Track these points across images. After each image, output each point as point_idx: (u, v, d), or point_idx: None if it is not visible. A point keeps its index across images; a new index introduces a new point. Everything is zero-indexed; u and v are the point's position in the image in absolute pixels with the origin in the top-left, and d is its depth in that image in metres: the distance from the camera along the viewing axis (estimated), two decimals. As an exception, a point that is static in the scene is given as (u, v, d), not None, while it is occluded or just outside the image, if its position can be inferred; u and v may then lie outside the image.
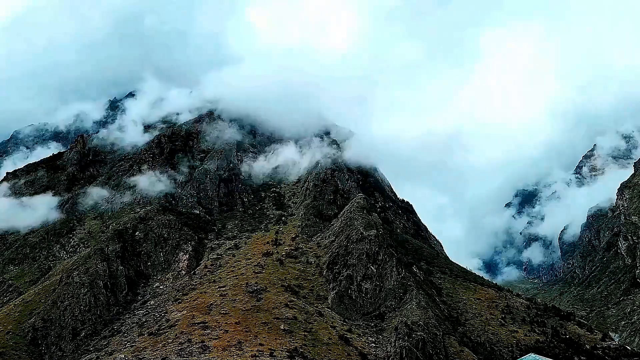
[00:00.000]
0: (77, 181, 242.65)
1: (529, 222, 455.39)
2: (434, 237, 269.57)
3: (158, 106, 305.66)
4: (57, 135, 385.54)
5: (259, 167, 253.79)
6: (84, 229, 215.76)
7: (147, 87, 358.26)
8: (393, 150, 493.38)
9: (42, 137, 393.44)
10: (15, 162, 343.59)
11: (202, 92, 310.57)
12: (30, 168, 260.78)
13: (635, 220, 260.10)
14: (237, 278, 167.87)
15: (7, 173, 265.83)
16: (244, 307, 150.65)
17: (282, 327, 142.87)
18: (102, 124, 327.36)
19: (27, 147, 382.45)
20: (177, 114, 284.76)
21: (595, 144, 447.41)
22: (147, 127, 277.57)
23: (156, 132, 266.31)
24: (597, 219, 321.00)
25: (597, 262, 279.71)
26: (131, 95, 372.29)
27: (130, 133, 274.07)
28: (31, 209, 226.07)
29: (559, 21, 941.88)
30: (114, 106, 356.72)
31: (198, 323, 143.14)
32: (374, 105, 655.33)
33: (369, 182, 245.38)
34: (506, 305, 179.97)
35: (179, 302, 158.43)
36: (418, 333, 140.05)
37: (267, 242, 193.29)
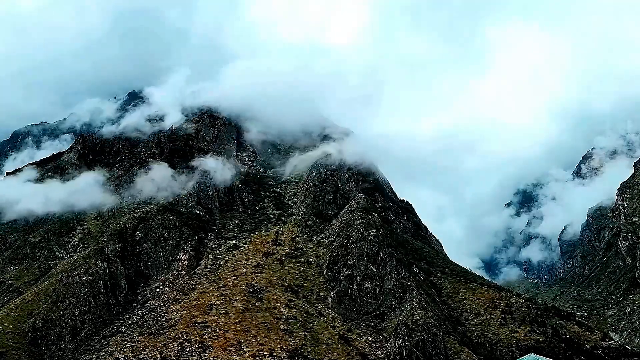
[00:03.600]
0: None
1: (528, 222, 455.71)
2: (434, 237, 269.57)
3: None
4: (71, 131, 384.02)
5: (259, 166, 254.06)
6: (84, 229, 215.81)
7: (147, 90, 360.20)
8: (394, 149, 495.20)
9: (54, 133, 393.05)
10: (24, 158, 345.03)
11: (201, 90, 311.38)
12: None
13: (635, 220, 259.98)
14: (237, 278, 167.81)
15: (31, 163, 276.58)
16: (244, 307, 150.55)
17: (282, 327, 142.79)
18: (122, 110, 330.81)
19: (37, 145, 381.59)
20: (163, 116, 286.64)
21: (595, 144, 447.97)
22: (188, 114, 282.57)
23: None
24: (597, 219, 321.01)
25: (597, 262, 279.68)
26: (135, 94, 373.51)
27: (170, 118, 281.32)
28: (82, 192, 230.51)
29: (560, 21, 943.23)
30: (132, 99, 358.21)
31: (198, 323, 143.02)
32: (378, 104, 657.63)
33: (369, 182, 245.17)
34: (506, 305, 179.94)
35: (179, 302, 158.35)
36: (418, 333, 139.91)
37: (267, 242, 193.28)
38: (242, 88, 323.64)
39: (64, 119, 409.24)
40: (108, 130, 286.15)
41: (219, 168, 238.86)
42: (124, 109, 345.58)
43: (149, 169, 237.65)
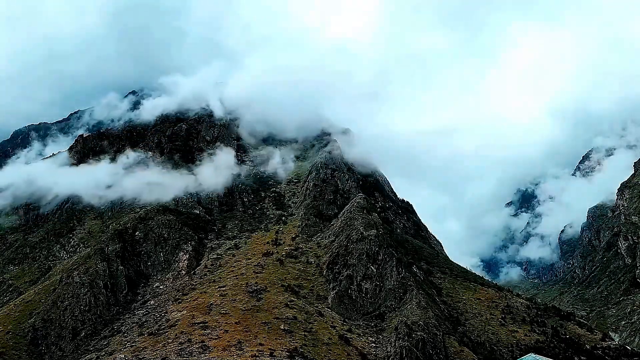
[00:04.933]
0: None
1: (529, 222, 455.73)
2: (434, 237, 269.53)
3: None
4: (83, 127, 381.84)
5: (259, 166, 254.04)
6: (84, 229, 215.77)
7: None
8: (395, 148, 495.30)
9: (64, 130, 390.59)
10: (32, 155, 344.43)
11: (200, 90, 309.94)
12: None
13: (635, 220, 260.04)
14: (237, 278, 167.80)
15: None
16: (244, 307, 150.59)
17: (282, 327, 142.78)
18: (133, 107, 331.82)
19: (45, 142, 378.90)
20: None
21: (595, 144, 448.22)
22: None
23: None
24: (597, 219, 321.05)
25: (597, 262, 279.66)
26: (134, 93, 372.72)
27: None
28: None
29: (561, 21, 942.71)
30: (140, 96, 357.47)
31: (198, 323, 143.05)
32: (381, 101, 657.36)
33: (369, 182, 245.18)
34: (506, 305, 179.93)
35: (179, 302, 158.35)
36: (418, 333, 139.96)
37: (267, 242, 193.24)
38: (242, 87, 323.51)
39: (79, 116, 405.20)
40: (119, 125, 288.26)
41: (278, 158, 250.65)
42: (136, 105, 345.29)
43: (214, 154, 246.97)
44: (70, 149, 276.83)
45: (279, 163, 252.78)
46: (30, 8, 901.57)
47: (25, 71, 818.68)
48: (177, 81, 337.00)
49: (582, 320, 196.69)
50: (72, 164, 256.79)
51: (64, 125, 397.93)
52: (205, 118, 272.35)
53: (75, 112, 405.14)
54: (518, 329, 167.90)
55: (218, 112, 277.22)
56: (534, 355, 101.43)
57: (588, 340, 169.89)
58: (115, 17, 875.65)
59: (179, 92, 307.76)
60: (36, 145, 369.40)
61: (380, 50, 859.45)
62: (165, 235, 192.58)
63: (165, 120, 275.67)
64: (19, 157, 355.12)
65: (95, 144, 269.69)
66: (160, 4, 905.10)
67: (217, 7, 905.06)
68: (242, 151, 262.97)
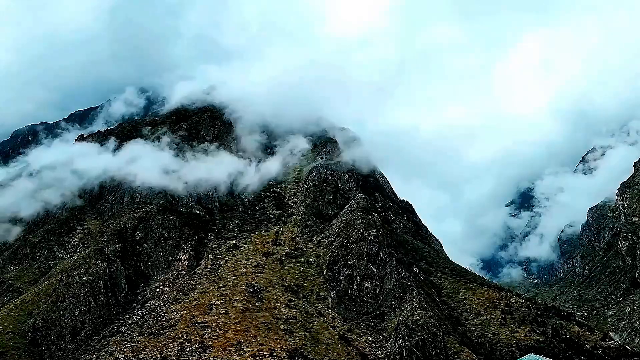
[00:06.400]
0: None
1: (529, 222, 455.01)
2: (434, 236, 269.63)
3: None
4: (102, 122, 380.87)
5: (259, 166, 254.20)
6: (84, 229, 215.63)
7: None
8: (395, 148, 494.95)
9: (83, 125, 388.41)
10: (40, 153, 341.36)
11: (199, 88, 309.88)
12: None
13: (635, 220, 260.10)
14: (237, 278, 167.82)
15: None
16: (244, 307, 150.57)
17: (282, 327, 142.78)
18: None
19: (51, 135, 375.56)
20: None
21: (595, 143, 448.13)
22: None
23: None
24: (597, 219, 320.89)
25: (597, 262, 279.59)
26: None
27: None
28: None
29: (561, 21, 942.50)
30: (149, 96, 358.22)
31: (198, 323, 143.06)
32: (384, 100, 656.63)
33: (369, 182, 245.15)
34: (506, 305, 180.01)
35: (179, 302, 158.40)
36: (418, 333, 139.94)
37: (267, 242, 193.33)
38: (243, 87, 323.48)
39: (96, 113, 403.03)
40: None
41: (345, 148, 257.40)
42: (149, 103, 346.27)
43: (287, 141, 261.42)
44: (111, 133, 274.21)
45: (279, 163, 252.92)
46: (26, 7, 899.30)
47: (22, 71, 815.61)
48: (174, 81, 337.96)
49: (582, 320, 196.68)
50: (115, 149, 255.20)
51: (79, 122, 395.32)
52: (205, 118, 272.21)
53: (94, 108, 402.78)
54: (518, 329, 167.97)
55: (218, 113, 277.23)
56: (534, 355, 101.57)
57: (588, 340, 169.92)
58: (112, 15, 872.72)
59: (177, 91, 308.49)
60: (45, 142, 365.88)
61: (383, 49, 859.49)
62: (165, 235, 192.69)
63: (170, 117, 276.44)
64: (25, 156, 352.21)
65: (131, 130, 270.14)
66: (158, 2, 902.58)
67: (216, 3, 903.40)
68: (241, 151, 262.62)
